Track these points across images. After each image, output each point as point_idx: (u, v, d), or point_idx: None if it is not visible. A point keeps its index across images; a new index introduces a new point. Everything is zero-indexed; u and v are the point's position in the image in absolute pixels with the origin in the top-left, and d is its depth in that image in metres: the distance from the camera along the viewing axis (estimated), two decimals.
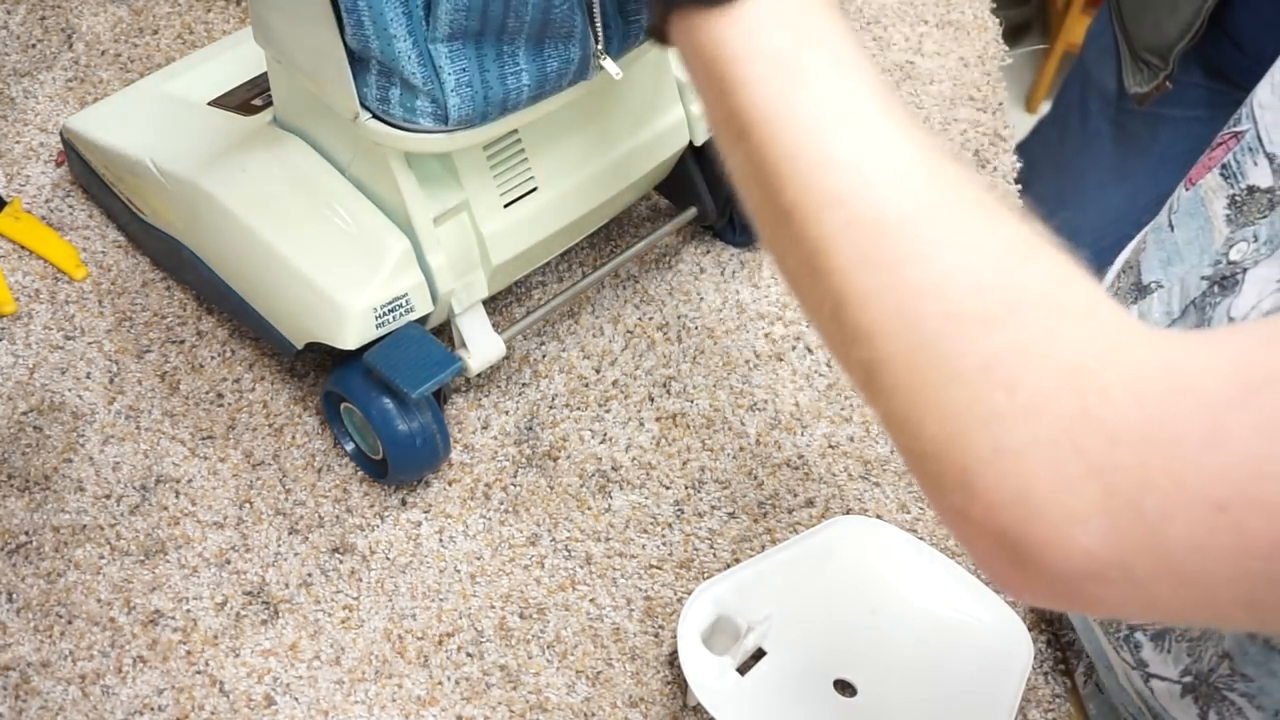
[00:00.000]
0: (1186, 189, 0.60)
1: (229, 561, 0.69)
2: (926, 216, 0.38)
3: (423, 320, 0.70)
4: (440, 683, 0.66)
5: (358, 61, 0.60)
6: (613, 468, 0.74)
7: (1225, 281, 0.54)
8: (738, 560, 0.71)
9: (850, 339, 0.39)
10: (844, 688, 0.63)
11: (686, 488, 0.74)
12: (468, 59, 0.60)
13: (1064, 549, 0.34)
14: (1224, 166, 0.57)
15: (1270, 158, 0.54)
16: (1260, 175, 0.55)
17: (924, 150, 0.39)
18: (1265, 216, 0.53)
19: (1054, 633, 0.69)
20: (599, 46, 0.63)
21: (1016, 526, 0.35)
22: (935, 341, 0.37)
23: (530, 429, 0.76)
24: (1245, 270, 0.52)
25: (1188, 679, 0.56)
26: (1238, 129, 0.57)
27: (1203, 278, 0.55)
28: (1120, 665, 0.61)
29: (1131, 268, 0.64)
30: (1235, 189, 0.56)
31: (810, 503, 0.74)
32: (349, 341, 0.66)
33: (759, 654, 0.64)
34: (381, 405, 0.67)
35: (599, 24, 0.62)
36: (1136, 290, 0.62)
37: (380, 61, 0.59)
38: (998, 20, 1.04)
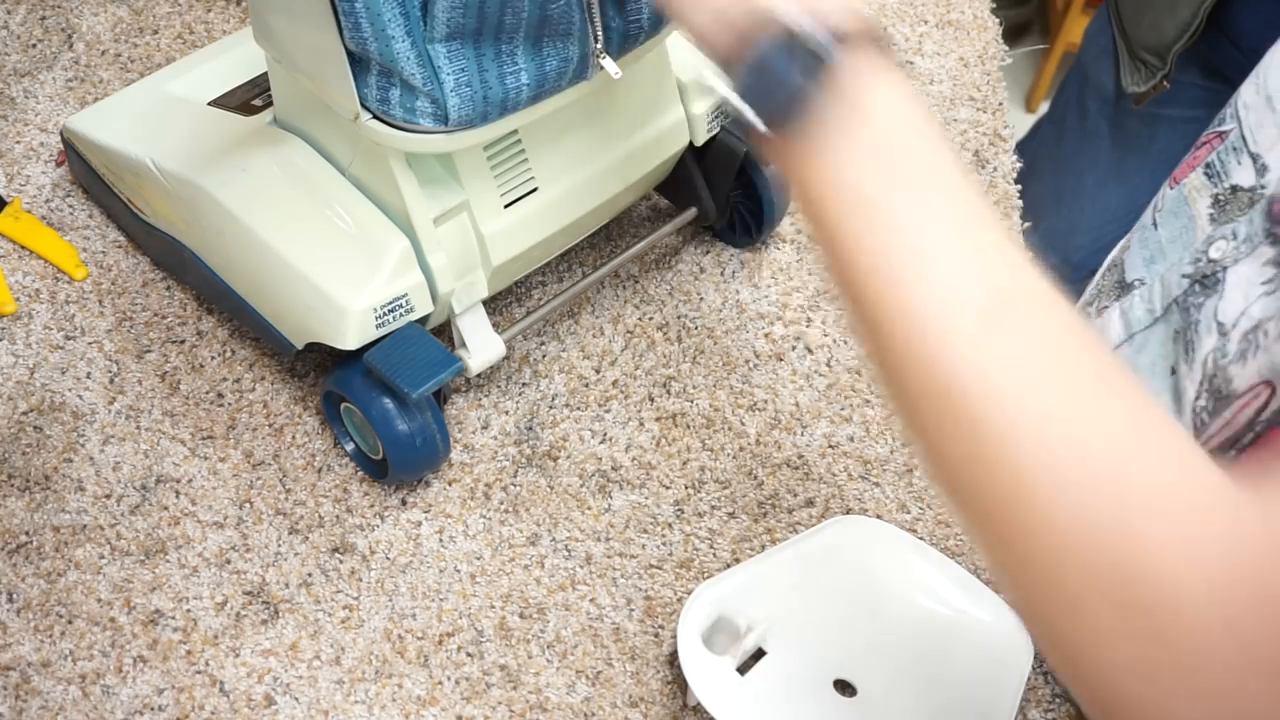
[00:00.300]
0: (1171, 187, 0.60)
1: (229, 561, 0.69)
2: (1018, 394, 0.36)
3: (423, 320, 0.70)
4: (440, 683, 0.66)
5: (357, 62, 0.60)
6: (613, 468, 0.74)
7: (1206, 280, 0.54)
8: (738, 560, 0.71)
9: (955, 490, 0.38)
10: (844, 688, 0.63)
11: (686, 488, 0.74)
12: (466, 59, 0.60)
13: None
14: (1208, 165, 0.57)
15: (1254, 157, 0.54)
16: (1244, 175, 0.55)
17: (1017, 304, 0.38)
18: (1245, 214, 0.53)
19: None
20: (598, 45, 0.63)
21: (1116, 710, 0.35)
22: (1036, 535, 0.36)
23: (530, 429, 0.76)
24: (1225, 269, 0.52)
25: None
26: (1222, 128, 0.57)
27: (1183, 275, 0.55)
28: None
29: (1116, 265, 0.64)
30: (1219, 188, 0.56)
31: (810, 503, 0.74)
32: (349, 342, 0.66)
33: (759, 654, 0.64)
34: (381, 405, 0.67)
35: (598, 23, 0.62)
36: (1120, 288, 0.62)
37: (379, 62, 0.59)
38: (998, 20, 1.04)
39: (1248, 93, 0.56)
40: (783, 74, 0.40)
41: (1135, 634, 0.34)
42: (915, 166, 0.39)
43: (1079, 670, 0.36)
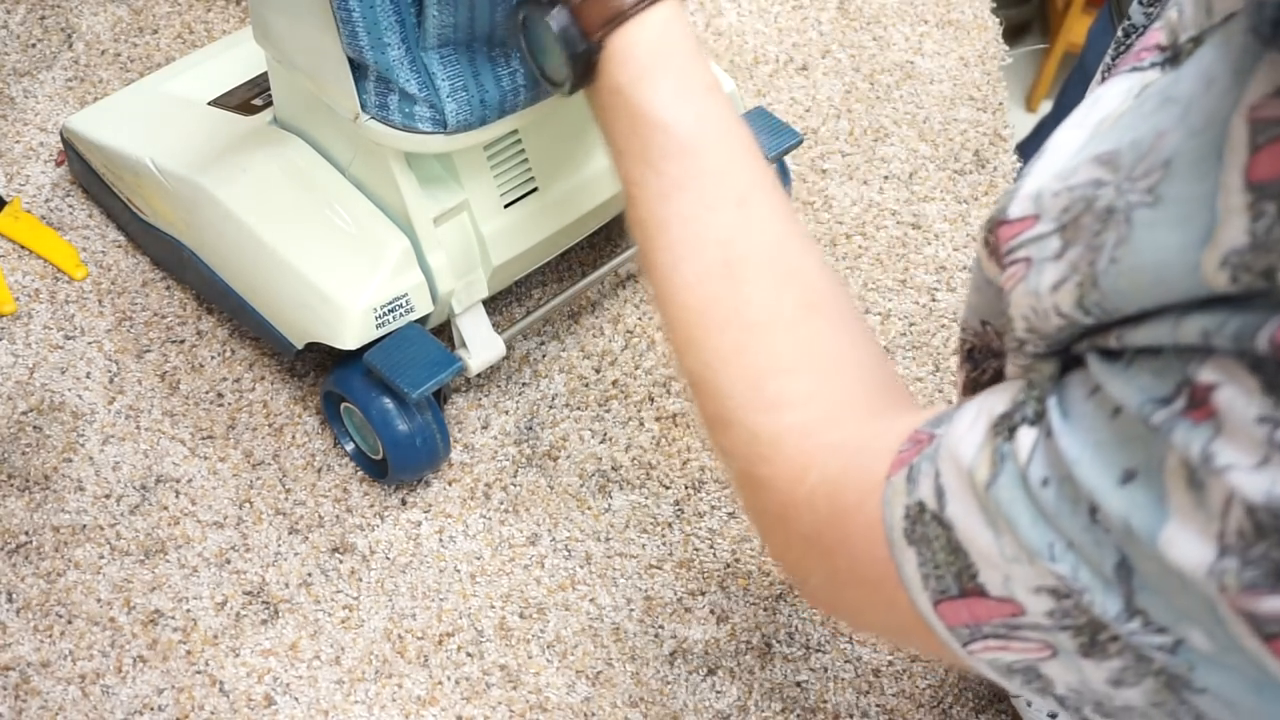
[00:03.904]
0: None
1: (229, 561, 0.69)
2: (698, 347, 0.46)
3: (423, 320, 0.70)
4: (440, 682, 0.66)
5: (356, 69, 0.60)
6: (613, 468, 0.74)
7: None
8: (737, 560, 0.71)
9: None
10: None
11: (686, 488, 0.74)
12: (460, 64, 0.60)
13: (807, 600, 0.49)
14: None
15: None
16: None
17: (728, 263, 0.46)
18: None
19: None
20: None
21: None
22: (711, 443, 0.48)
23: (530, 429, 0.76)
24: None
25: None
26: None
27: None
28: None
29: None
30: None
31: None
32: (349, 342, 0.66)
33: None
34: (381, 405, 0.67)
35: None
36: None
37: (376, 70, 0.59)
38: (998, 20, 1.04)
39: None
40: (546, 51, 0.50)
41: (747, 487, 0.46)
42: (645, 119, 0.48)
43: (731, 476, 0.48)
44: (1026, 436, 0.33)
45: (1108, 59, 0.53)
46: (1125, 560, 0.31)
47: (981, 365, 0.45)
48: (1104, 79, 0.53)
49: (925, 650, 0.41)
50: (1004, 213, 0.35)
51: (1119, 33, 0.52)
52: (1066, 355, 0.34)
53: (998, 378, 0.44)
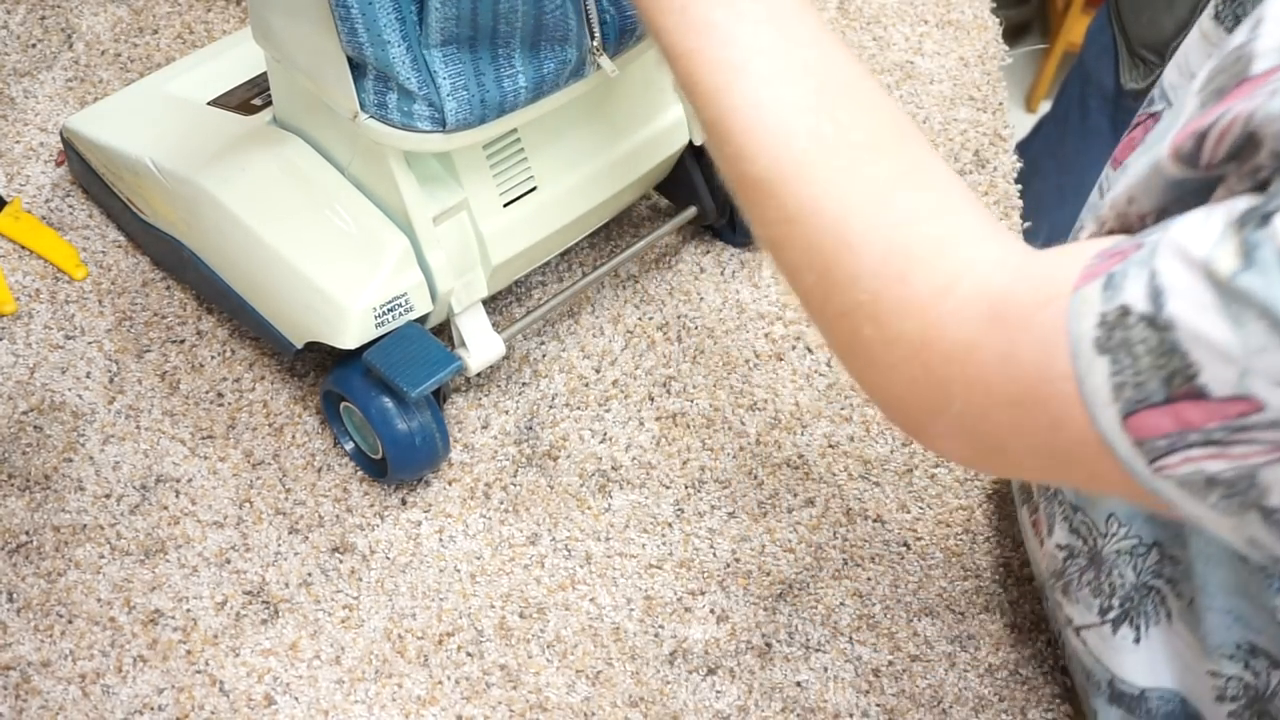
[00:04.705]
0: (1114, 169, 0.61)
1: (229, 561, 0.69)
2: (809, 173, 0.44)
3: (422, 320, 0.70)
4: (440, 682, 0.66)
5: (355, 68, 0.60)
6: (613, 467, 0.74)
7: None
8: (738, 560, 0.71)
9: (772, 252, 0.48)
10: None
11: (686, 488, 0.74)
12: (462, 63, 0.60)
13: (931, 439, 0.46)
14: (1144, 146, 0.58)
15: None
16: None
17: (820, 91, 0.45)
18: None
19: (1050, 635, 0.69)
20: (594, 43, 0.63)
21: (896, 417, 0.46)
22: (819, 285, 0.46)
23: (530, 428, 0.76)
24: None
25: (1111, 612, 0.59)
26: (1153, 109, 0.58)
27: None
28: (1068, 641, 0.63)
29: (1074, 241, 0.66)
30: None
31: (810, 502, 0.74)
32: (349, 341, 0.66)
33: None
34: (381, 404, 0.67)
35: (594, 21, 0.62)
36: None
37: (376, 67, 0.59)
38: (998, 20, 1.04)
39: (1171, 75, 0.57)
40: None
41: (874, 319, 0.44)
42: None
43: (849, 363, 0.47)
44: None
45: (1213, 8, 0.53)
46: None
47: None
48: (1205, 31, 0.54)
49: (1080, 476, 0.40)
50: (1243, 74, 0.36)
51: None
52: None
53: None
